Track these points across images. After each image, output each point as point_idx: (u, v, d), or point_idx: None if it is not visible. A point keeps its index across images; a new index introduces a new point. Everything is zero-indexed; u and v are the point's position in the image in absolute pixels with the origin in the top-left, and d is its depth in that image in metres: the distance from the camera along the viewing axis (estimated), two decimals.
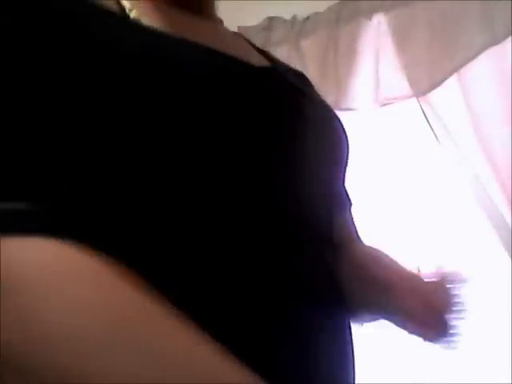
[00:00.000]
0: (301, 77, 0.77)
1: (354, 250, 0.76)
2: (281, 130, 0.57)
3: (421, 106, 1.94)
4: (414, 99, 1.93)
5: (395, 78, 1.93)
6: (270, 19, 2.14)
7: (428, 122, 1.93)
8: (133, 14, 0.53)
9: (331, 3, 2.08)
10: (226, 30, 0.71)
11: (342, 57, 2.01)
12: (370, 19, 2.00)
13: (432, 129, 1.93)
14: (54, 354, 0.35)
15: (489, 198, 1.82)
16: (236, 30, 2.03)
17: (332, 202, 0.70)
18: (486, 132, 1.79)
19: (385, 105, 1.97)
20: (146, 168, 0.49)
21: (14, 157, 0.40)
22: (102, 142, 0.47)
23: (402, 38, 1.93)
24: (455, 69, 1.83)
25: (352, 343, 0.62)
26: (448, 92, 1.88)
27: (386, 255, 0.75)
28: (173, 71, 0.50)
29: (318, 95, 0.74)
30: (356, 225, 0.81)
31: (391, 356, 1.92)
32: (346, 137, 0.71)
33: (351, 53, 2.01)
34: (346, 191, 0.79)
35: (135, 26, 0.52)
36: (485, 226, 1.83)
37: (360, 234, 0.80)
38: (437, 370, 1.83)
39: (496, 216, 1.80)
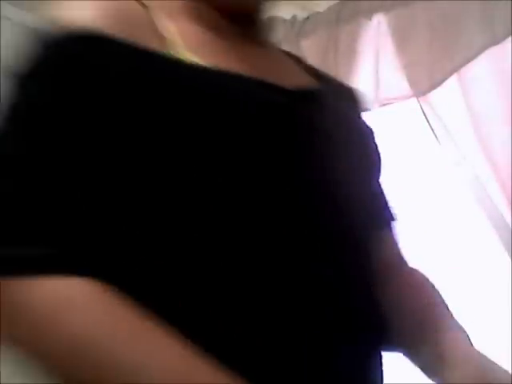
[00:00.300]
0: (344, 91, 0.79)
1: (404, 281, 0.72)
2: (307, 152, 0.61)
3: (421, 106, 1.94)
4: (414, 99, 1.93)
5: (395, 78, 1.93)
6: (270, 19, 2.14)
7: (428, 122, 1.93)
8: (174, 47, 0.57)
9: (331, 3, 2.08)
10: (272, 50, 0.74)
11: (342, 57, 2.01)
12: (370, 19, 2.00)
13: (432, 129, 1.93)
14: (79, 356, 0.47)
15: (489, 198, 1.82)
16: None
17: (366, 212, 0.69)
18: (486, 132, 1.79)
19: (385, 105, 1.97)
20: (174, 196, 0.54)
21: (46, 211, 0.50)
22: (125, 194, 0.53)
23: (402, 38, 1.93)
24: (455, 69, 1.82)
25: (382, 368, 0.62)
26: (448, 92, 1.88)
27: (440, 299, 0.68)
28: (201, 102, 0.55)
29: (355, 110, 0.77)
30: (399, 243, 0.77)
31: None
32: (376, 150, 0.74)
33: (351, 53, 2.00)
34: (387, 205, 0.77)
35: (172, 61, 0.56)
36: (485, 226, 1.83)
37: (404, 252, 0.76)
38: None
39: (496, 216, 1.80)
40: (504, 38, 1.74)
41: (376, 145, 0.74)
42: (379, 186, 0.76)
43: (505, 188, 1.75)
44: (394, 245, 0.76)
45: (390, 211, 0.77)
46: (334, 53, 2.02)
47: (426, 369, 0.62)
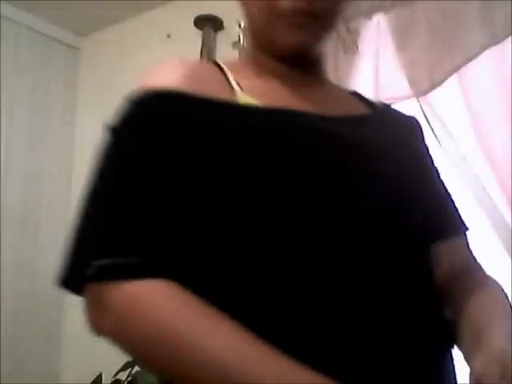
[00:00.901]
0: (397, 116, 0.88)
1: (475, 286, 0.75)
2: (358, 169, 0.68)
3: (421, 105, 1.94)
4: (414, 99, 1.93)
5: (395, 78, 1.93)
6: None
7: (428, 121, 1.93)
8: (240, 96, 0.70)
9: None
10: (330, 85, 0.84)
11: (342, 57, 2.01)
12: (370, 19, 2.00)
13: (432, 129, 1.93)
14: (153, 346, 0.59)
15: (489, 197, 1.82)
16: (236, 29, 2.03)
17: (432, 221, 0.74)
18: (486, 132, 1.79)
19: None
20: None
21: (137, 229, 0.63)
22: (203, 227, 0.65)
23: (402, 38, 1.93)
24: (455, 69, 1.82)
25: (453, 368, 0.67)
26: (448, 92, 1.88)
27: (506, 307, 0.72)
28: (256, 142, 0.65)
29: (407, 131, 0.85)
30: (472, 252, 0.81)
31: None
32: (433, 165, 0.83)
33: (351, 53, 2.00)
34: (457, 214, 0.84)
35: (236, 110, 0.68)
36: (485, 226, 1.83)
37: (479, 262, 0.80)
38: None
39: (496, 216, 1.80)
40: (504, 38, 1.75)
41: (432, 160, 0.85)
42: (448, 197, 0.83)
43: (505, 188, 1.75)
44: (465, 252, 0.82)
45: (461, 220, 0.84)
46: (334, 53, 2.02)
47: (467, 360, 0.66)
